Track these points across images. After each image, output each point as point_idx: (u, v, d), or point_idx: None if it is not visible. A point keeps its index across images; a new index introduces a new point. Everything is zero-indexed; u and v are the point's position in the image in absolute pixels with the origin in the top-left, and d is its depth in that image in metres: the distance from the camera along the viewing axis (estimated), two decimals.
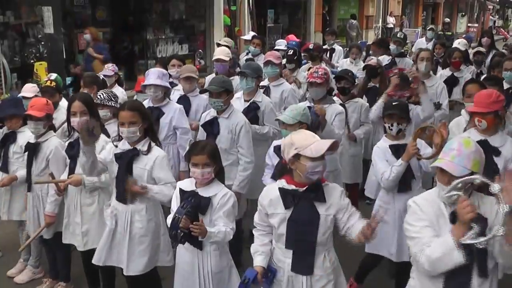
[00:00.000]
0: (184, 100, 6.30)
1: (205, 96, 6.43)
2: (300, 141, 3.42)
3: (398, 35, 9.74)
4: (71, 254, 5.44)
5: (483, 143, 4.40)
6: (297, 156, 3.38)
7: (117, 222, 4.43)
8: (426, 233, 3.11)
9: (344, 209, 3.49)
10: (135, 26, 14.79)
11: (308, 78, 5.81)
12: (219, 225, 3.85)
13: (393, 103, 4.83)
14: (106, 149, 4.50)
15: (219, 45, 9.07)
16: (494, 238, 2.87)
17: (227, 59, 7.22)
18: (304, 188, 3.45)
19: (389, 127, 4.74)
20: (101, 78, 7.11)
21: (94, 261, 4.53)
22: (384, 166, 4.71)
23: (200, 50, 16.30)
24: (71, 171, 4.79)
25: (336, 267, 3.64)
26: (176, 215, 3.70)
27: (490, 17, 42.71)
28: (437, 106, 6.65)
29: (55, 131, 5.26)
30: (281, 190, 3.50)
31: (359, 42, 17.30)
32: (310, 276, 3.52)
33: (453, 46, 9.67)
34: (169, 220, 3.86)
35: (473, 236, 2.90)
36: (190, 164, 3.90)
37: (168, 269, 4.59)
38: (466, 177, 2.95)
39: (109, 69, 7.71)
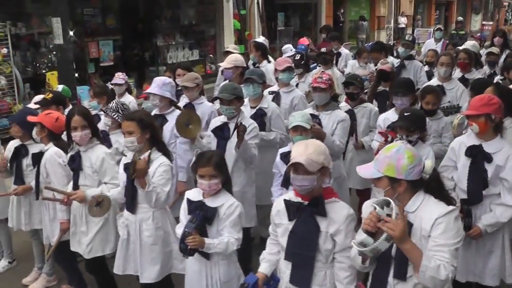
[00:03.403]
0: (189, 108, 6.31)
1: (209, 103, 6.46)
2: (293, 152, 3.46)
3: (406, 38, 9.69)
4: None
5: (475, 148, 4.40)
6: (290, 166, 3.42)
7: (129, 232, 4.52)
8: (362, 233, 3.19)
9: (344, 234, 3.39)
10: (145, 33, 14.85)
11: (312, 83, 5.79)
12: (224, 235, 3.89)
13: (404, 114, 4.78)
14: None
15: (227, 52, 9.04)
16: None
17: (230, 66, 7.20)
18: (308, 202, 3.44)
19: (400, 138, 4.70)
20: (110, 87, 7.16)
21: (115, 270, 4.65)
22: None
23: (211, 55, 16.35)
24: (75, 183, 4.88)
25: None
26: (186, 230, 3.77)
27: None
28: (457, 108, 6.57)
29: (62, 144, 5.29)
30: (286, 202, 3.51)
31: (370, 44, 17.18)
32: None
33: (462, 48, 9.57)
34: (178, 230, 3.97)
35: (358, 243, 3.00)
36: (197, 176, 3.93)
37: (182, 277, 4.59)
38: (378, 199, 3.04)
39: (120, 77, 7.75)
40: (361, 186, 6.46)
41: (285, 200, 3.53)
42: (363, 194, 6.42)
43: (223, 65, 7.31)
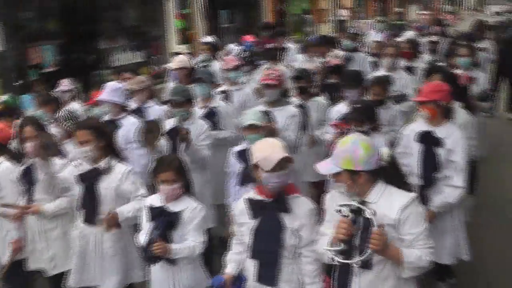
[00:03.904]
0: (137, 112, 6.26)
1: (158, 107, 6.43)
2: (258, 151, 3.46)
3: (350, 31, 9.89)
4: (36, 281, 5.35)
5: (425, 134, 4.56)
6: (256, 165, 3.42)
7: (85, 244, 4.42)
8: (326, 225, 3.32)
9: (308, 228, 3.46)
10: (87, 36, 14.54)
11: (262, 80, 5.83)
12: (189, 239, 3.88)
13: (355, 106, 4.87)
14: (66, 169, 4.46)
15: (175, 54, 9.01)
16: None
17: (177, 67, 7.19)
18: (271, 199, 3.46)
19: (351, 129, 4.76)
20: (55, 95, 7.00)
21: (70, 283, 4.51)
22: None
23: (155, 56, 16.19)
24: (29, 198, 4.74)
25: (303, 284, 3.57)
26: (151, 237, 3.75)
27: None
28: (402, 97, 6.78)
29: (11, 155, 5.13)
30: (249, 200, 3.52)
31: (313, 37, 17.33)
32: None
33: (403, 38, 9.85)
34: (140, 237, 3.93)
35: (335, 252, 3.08)
36: (157, 181, 3.90)
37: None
38: (347, 204, 3.09)
39: (65, 84, 7.59)
40: (315, 178, 6.54)
41: (247, 199, 3.54)
42: (318, 187, 6.51)
43: (170, 66, 7.29)
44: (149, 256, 3.78)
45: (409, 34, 10.66)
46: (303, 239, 3.45)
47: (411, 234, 3.10)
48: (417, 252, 3.07)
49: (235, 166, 4.88)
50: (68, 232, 4.75)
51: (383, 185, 3.20)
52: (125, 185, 4.31)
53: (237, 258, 3.72)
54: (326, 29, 28.18)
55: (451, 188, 4.48)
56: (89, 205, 4.29)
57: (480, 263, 5.41)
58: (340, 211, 3.09)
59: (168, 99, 5.65)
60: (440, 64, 8.32)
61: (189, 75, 7.25)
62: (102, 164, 4.33)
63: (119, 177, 4.31)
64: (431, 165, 4.50)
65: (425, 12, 38.10)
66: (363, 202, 3.11)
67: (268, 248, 3.46)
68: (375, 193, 3.17)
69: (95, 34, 14.64)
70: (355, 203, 3.08)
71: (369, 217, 3.00)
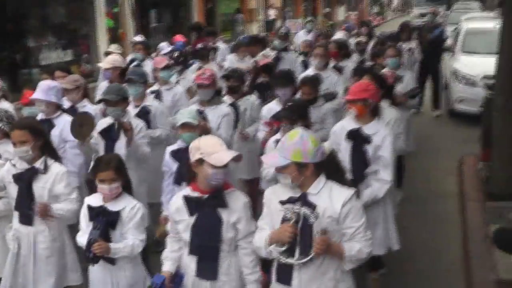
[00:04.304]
0: (71, 112, 6.18)
1: (92, 106, 6.37)
2: (207, 147, 3.51)
3: (281, 31, 10.06)
4: None
5: (354, 131, 4.75)
6: (201, 161, 3.47)
7: (20, 245, 4.34)
8: (265, 219, 3.50)
9: (245, 221, 3.56)
10: (15, 34, 14.11)
11: (195, 80, 5.89)
12: (129, 238, 3.90)
13: (287, 104, 5.00)
14: (4, 168, 4.38)
15: (108, 53, 8.92)
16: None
17: (109, 66, 7.12)
18: (207, 195, 3.52)
19: (283, 126, 4.90)
20: None
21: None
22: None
23: (85, 55, 15.91)
24: None
25: (241, 275, 3.66)
26: (91, 237, 3.74)
27: None
28: (332, 95, 6.97)
29: None
30: (185, 197, 3.57)
31: (243, 37, 17.46)
32: (215, 281, 3.59)
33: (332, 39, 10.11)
34: (80, 239, 3.92)
35: (278, 252, 3.29)
36: (96, 181, 3.90)
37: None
38: (295, 209, 3.26)
39: None
40: (248, 176, 6.65)
41: (184, 196, 3.59)
42: (250, 184, 6.62)
43: (102, 65, 7.23)
44: (90, 256, 3.77)
45: (339, 34, 10.93)
46: (240, 231, 3.55)
47: (352, 227, 3.28)
48: (357, 245, 3.27)
49: (171, 165, 4.92)
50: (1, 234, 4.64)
51: (324, 179, 3.34)
52: (59, 186, 4.27)
53: (174, 256, 3.75)
54: (255, 28, 28.42)
55: (379, 182, 4.69)
56: (25, 206, 4.22)
57: (407, 252, 5.64)
58: (284, 215, 3.26)
59: (102, 98, 5.59)
60: (368, 64, 8.64)
61: (122, 74, 7.21)
62: (38, 163, 4.27)
63: (54, 178, 4.26)
64: (360, 161, 4.68)
65: (354, 12, 39.32)
66: (304, 195, 3.27)
67: (207, 243, 3.53)
68: (317, 185, 3.32)
69: (23, 32, 14.25)
70: (298, 207, 3.24)
71: (311, 222, 3.19)
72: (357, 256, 3.28)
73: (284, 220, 3.29)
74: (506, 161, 6.71)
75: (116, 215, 3.89)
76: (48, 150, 4.39)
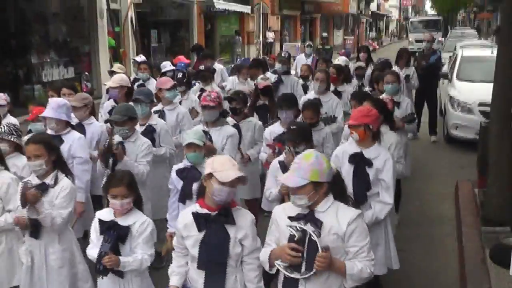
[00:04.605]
0: (79, 128, 6.30)
1: (99, 123, 6.50)
2: (218, 164, 3.65)
3: (282, 55, 10.24)
4: None
5: (356, 155, 4.92)
6: (210, 176, 3.60)
7: (33, 258, 4.45)
8: (271, 235, 3.66)
9: (251, 238, 3.68)
10: (18, 50, 14.29)
11: (201, 102, 6.02)
12: (138, 252, 4.01)
13: (291, 127, 5.12)
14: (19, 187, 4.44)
15: (113, 72, 9.08)
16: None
17: (116, 85, 7.24)
18: (216, 212, 3.65)
19: (287, 149, 5.02)
20: None
21: None
22: (271, 183, 5.08)
23: (86, 73, 16.07)
24: None
25: None
26: (102, 250, 3.85)
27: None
28: (332, 119, 7.12)
29: None
30: (194, 214, 3.69)
31: (242, 59, 17.68)
32: None
33: (334, 63, 10.27)
34: (90, 251, 4.03)
35: (284, 267, 3.43)
36: (108, 196, 4.01)
37: None
38: (299, 227, 3.40)
39: (2, 98, 7.52)
40: (248, 196, 6.76)
41: (193, 213, 3.70)
42: (251, 204, 6.72)
43: (109, 84, 7.34)
44: (100, 268, 3.88)
45: (341, 59, 11.12)
46: (246, 248, 3.67)
47: (356, 246, 3.42)
48: (359, 264, 3.40)
49: (177, 183, 5.02)
50: (14, 248, 4.72)
51: (331, 197, 3.50)
52: (57, 198, 4.37)
53: (181, 271, 3.86)
54: (253, 51, 28.73)
55: (381, 204, 4.84)
56: (35, 219, 4.29)
57: (404, 274, 5.77)
58: (290, 232, 3.39)
59: (109, 118, 5.72)
60: (367, 89, 8.82)
61: (128, 94, 7.36)
62: (49, 179, 4.38)
63: (59, 191, 4.37)
64: (362, 184, 4.83)
65: (351, 37, 39.74)
66: (312, 212, 3.42)
67: (215, 258, 3.64)
68: (325, 204, 3.47)
69: (26, 48, 14.44)
70: (302, 225, 3.38)
71: (314, 239, 3.31)
72: (359, 275, 3.39)
73: (290, 237, 3.41)
74: (501, 187, 6.84)
75: (127, 229, 4.00)
76: (60, 165, 4.51)
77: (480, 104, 10.88)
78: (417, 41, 35.86)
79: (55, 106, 5.65)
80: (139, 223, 4.05)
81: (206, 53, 12.21)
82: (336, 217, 3.43)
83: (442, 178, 9.73)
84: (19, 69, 14.33)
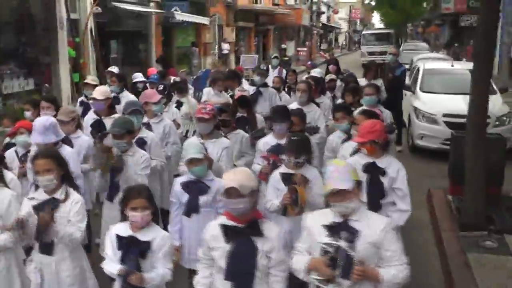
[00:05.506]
0: (65, 142, 6.25)
1: (86, 137, 6.47)
2: (224, 177, 3.79)
3: (261, 67, 10.40)
4: None
5: (370, 165, 5.10)
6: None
7: (43, 276, 4.41)
8: (302, 243, 3.79)
9: (277, 250, 3.75)
10: None
11: (196, 114, 6.08)
12: (158, 267, 4.03)
13: (293, 139, 5.23)
14: (22, 203, 4.44)
15: (86, 84, 9.03)
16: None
17: (103, 97, 7.26)
18: (243, 224, 3.74)
19: (288, 159, 5.13)
20: None
21: None
22: (271, 194, 5.15)
23: (47, 85, 15.83)
24: None
25: None
26: (127, 268, 3.88)
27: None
28: (315, 129, 7.28)
29: None
30: (222, 226, 3.77)
31: (204, 70, 17.73)
32: None
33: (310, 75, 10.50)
34: (107, 266, 4.01)
35: (319, 280, 3.57)
36: (128, 209, 4.02)
37: None
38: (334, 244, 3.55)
39: None
40: None
41: (221, 225, 3.79)
42: None
43: (96, 96, 7.26)
44: (124, 286, 3.90)
45: (316, 71, 11.37)
46: (273, 260, 3.75)
47: (389, 251, 3.59)
48: (392, 270, 3.58)
49: (181, 196, 5.03)
50: (11, 267, 4.61)
51: (360, 204, 3.68)
52: (71, 213, 4.36)
53: (206, 282, 3.92)
54: (209, 62, 28.79)
55: (399, 212, 5.07)
56: (46, 235, 4.25)
57: None
58: (323, 248, 3.53)
59: (109, 130, 5.71)
60: (340, 101, 9.03)
61: (109, 106, 7.36)
62: (58, 194, 4.37)
63: (70, 206, 4.36)
64: (377, 193, 5.05)
65: (304, 48, 40.32)
66: (346, 221, 3.57)
67: (243, 270, 3.72)
68: (357, 211, 3.64)
69: None
70: (336, 243, 3.52)
71: (350, 254, 3.46)
72: (393, 280, 3.57)
73: (325, 251, 3.55)
74: (477, 193, 7.17)
75: (147, 245, 4.01)
76: (68, 179, 4.50)
77: (445, 115, 11.32)
78: (370, 53, 36.80)
79: (41, 130, 5.46)
80: (159, 237, 4.08)
81: (170, 65, 12.29)
82: (369, 225, 3.59)
83: (411, 186, 9.95)
84: None
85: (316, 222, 3.71)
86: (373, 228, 3.59)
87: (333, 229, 3.60)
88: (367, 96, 7.59)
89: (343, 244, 3.51)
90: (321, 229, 3.63)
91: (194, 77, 15.29)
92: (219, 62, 16.55)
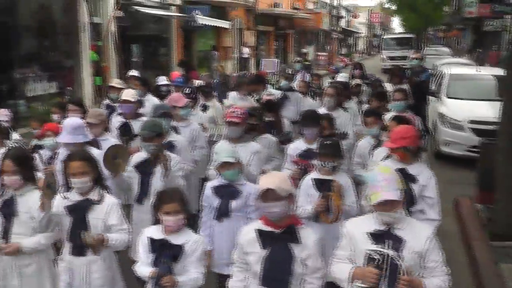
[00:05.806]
0: (92, 144, 6.25)
1: (113, 140, 6.46)
2: (262, 182, 3.73)
3: (287, 71, 10.35)
4: None
5: (400, 171, 4.94)
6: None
7: (73, 276, 4.38)
8: (343, 250, 3.72)
9: (314, 258, 3.72)
10: (0, 65, 14.09)
11: (226, 118, 6.04)
12: (191, 271, 3.99)
13: (326, 143, 5.17)
14: (55, 200, 4.43)
15: (111, 87, 9.03)
16: None
17: (133, 100, 7.25)
18: (280, 230, 3.68)
19: (322, 164, 5.07)
20: None
21: None
22: (303, 200, 5.07)
23: (69, 88, 15.93)
24: (6, 232, 4.51)
25: None
26: (160, 271, 3.85)
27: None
28: (344, 136, 7.18)
29: None
30: (258, 231, 3.72)
31: (239, 74, 17.74)
32: None
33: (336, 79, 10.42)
34: (139, 269, 4.00)
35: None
36: (161, 213, 3.98)
37: None
38: (381, 252, 3.49)
39: (3, 114, 7.46)
40: None
41: (257, 230, 3.73)
42: None
43: (127, 98, 7.23)
44: None
45: (342, 76, 11.28)
46: (309, 267, 3.71)
47: (433, 261, 3.53)
48: (436, 281, 3.51)
49: (213, 200, 4.99)
50: (43, 268, 4.62)
51: (403, 212, 3.61)
52: (112, 217, 4.35)
53: (240, 286, 3.89)
54: (230, 66, 28.81)
55: (428, 221, 4.89)
56: (79, 237, 4.24)
57: None
58: (370, 255, 3.47)
59: (137, 133, 5.69)
60: (366, 106, 8.93)
61: (137, 109, 7.36)
62: (92, 194, 4.36)
63: (107, 209, 4.35)
64: (407, 199, 4.89)
65: (323, 53, 40.23)
66: (390, 229, 3.52)
67: (279, 276, 3.67)
68: (401, 219, 3.59)
69: (9, 63, 14.23)
70: (384, 250, 3.46)
71: (398, 263, 3.41)
72: None
73: (370, 259, 3.48)
74: (509, 203, 7.04)
75: (180, 248, 3.97)
76: (100, 181, 4.48)
77: (471, 122, 11.17)
78: (390, 58, 36.56)
79: (70, 130, 5.52)
80: (192, 241, 4.04)
81: (192, 68, 12.29)
82: (413, 233, 3.51)
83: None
84: (2, 84, 14.11)
85: (358, 229, 3.64)
86: (418, 237, 3.53)
87: (378, 237, 3.53)
88: (396, 101, 7.49)
89: (391, 252, 3.44)
90: (365, 236, 3.56)
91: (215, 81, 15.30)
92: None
